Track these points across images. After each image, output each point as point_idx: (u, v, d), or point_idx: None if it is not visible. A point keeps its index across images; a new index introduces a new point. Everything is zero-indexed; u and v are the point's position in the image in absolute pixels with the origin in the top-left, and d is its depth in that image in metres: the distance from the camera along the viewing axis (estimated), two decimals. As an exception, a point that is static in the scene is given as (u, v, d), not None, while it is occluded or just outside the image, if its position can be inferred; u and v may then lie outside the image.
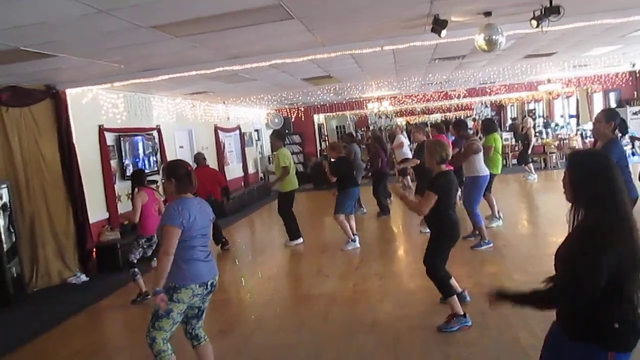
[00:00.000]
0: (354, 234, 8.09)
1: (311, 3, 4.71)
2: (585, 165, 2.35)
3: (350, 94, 15.33)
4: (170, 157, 10.53)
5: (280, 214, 8.71)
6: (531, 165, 13.79)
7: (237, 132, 14.79)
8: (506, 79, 15.72)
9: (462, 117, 9.42)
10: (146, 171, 9.38)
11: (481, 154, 7.57)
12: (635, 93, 17.18)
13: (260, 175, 16.44)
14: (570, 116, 19.06)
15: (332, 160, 8.47)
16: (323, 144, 19.00)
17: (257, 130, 16.90)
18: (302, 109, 18.35)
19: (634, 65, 14.34)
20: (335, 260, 7.53)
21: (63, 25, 4.49)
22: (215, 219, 3.93)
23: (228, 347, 4.66)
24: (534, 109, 24.64)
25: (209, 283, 3.56)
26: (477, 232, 7.39)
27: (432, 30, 5.72)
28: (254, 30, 5.34)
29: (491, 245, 7.17)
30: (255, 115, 16.79)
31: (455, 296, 4.64)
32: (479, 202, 7.53)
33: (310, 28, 5.63)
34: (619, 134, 4.87)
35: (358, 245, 8.03)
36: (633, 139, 13.95)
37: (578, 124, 18.09)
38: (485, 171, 7.54)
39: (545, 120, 18.85)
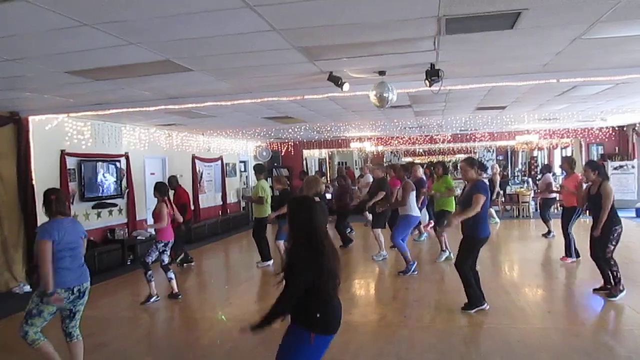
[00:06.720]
0: None
1: (203, 61, 5.36)
2: (295, 205, 3.29)
3: (331, 133, 15.95)
4: (138, 183, 11.31)
5: (254, 237, 9.63)
6: (492, 210, 14.04)
7: (219, 162, 15.54)
8: (482, 127, 16.18)
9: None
10: (105, 194, 10.18)
11: (414, 194, 8.58)
12: (616, 148, 17.38)
13: (243, 205, 17.05)
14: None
15: (278, 192, 9.23)
16: (324, 178, 19.57)
17: (243, 162, 17.63)
18: (292, 144, 19.08)
19: (604, 120, 14.70)
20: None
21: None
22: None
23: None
24: (536, 156, 25.15)
25: (75, 289, 4.19)
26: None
27: (336, 85, 6.37)
28: (165, 78, 6.04)
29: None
30: (241, 147, 17.56)
31: None
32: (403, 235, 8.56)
33: (220, 79, 6.31)
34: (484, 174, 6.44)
35: None
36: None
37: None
38: (415, 211, 8.64)
39: (542, 170, 19.21)
